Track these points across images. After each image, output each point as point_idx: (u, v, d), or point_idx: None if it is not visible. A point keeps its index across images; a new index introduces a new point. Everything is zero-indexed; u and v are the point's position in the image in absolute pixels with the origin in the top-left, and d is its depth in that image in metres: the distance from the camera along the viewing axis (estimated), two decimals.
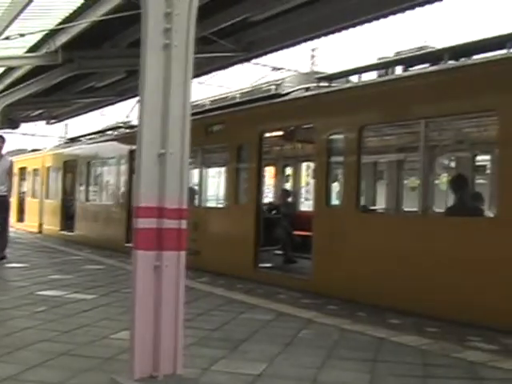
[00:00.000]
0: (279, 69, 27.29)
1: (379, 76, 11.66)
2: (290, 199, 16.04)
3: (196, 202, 15.29)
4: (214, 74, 17.63)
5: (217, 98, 17.65)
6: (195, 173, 15.52)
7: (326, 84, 12.81)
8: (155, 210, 4.49)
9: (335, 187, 12.04)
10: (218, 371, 5.68)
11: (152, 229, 4.49)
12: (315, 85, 12.99)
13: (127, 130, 20.79)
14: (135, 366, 4.50)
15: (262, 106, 13.48)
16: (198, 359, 5.83)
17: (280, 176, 17.47)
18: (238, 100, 15.80)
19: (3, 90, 13.87)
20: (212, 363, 5.90)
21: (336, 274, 10.78)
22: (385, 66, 11.62)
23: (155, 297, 4.51)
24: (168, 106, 4.54)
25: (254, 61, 17.23)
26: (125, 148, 18.84)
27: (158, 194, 4.50)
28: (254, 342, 6.92)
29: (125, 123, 21.61)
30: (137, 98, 19.56)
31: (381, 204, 14.24)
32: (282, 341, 6.95)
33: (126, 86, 16.54)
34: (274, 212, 15.27)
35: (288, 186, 17.27)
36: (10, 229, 18.49)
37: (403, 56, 11.52)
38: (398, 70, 11.34)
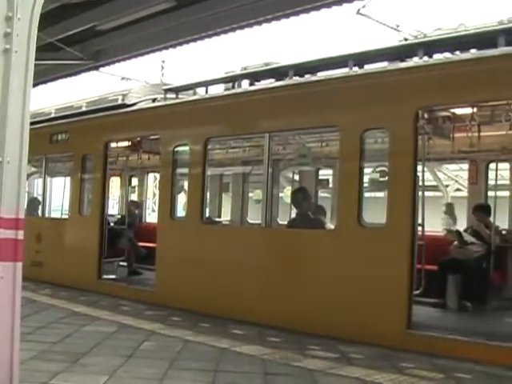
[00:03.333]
0: (128, 79, 27.06)
1: (226, 89, 11.81)
2: (135, 210, 15.92)
3: (40, 212, 14.91)
4: (62, 81, 17.21)
5: (63, 106, 17.28)
6: (39, 182, 15.13)
7: (173, 96, 12.84)
8: None
9: (180, 199, 12.05)
10: None
11: None
12: (162, 96, 12.99)
13: None
14: None
15: (107, 115, 13.32)
16: (36, 373, 5.71)
17: (126, 187, 17.31)
18: (84, 109, 15.55)
19: None
20: (51, 377, 5.79)
21: (178, 286, 10.79)
22: (231, 79, 11.79)
23: None
24: (6, 113, 4.41)
25: (102, 70, 16.98)
26: None
27: None
28: (95, 355, 6.84)
29: None
30: None
31: (226, 216, 14.39)
32: (124, 353, 6.92)
33: None
34: (119, 223, 15.10)
35: (134, 197, 17.15)
36: None
37: (250, 71, 11.72)
38: (245, 84, 11.52)
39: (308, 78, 10.40)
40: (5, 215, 4.38)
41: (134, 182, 17.47)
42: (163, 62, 35.37)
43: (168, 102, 12.35)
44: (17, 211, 4.46)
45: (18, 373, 4.57)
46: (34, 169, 15.04)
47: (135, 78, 26.65)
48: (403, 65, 9.02)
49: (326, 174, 13.64)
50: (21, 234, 4.49)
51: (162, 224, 11.62)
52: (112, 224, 14.33)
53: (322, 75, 10.25)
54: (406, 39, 10.10)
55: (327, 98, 9.27)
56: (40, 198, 15.12)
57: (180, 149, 11.43)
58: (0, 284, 4.37)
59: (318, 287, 8.90)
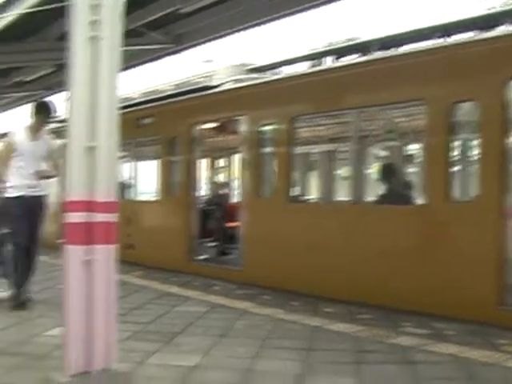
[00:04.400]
0: (210, 61, 27.24)
1: (310, 67, 11.75)
2: (222, 191, 16.05)
3: (129, 195, 15.18)
4: (146, 66, 17.48)
5: (148, 90, 17.52)
6: (128, 166, 15.39)
7: (256, 75, 12.84)
8: (84, 204, 4.46)
9: (267, 178, 12.07)
10: (153, 364, 5.69)
11: (81, 223, 4.46)
12: (246, 76, 13.01)
13: (59, 125, 20.49)
14: (69, 361, 4.46)
15: (192, 98, 13.44)
16: (132, 353, 5.81)
17: (213, 168, 17.47)
18: (169, 92, 15.72)
19: None
20: (147, 357, 5.90)
21: (266, 264, 10.84)
22: (315, 56, 11.71)
23: (87, 291, 4.47)
24: (96, 99, 4.51)
25: (184, 53, 17.14)
26: (56, 142, 18.60)
27: (87, 188, 4.47)
28: (188, 335, 6.94)
29: (54, 117, 21.25)
30: (66, 92, 19.36)
31: (313, 194, 14.34)
32: (217, 332, 6.99)
33: (54, 80, 16.30)
34: (208, 204, 15.25)
35: (221, 177, 17.29)
36: None
37: (333, 47, 11.62)
38: (329, 61, 11.44)
39: (393, 51, 10.25)
40: (99, 199, 4.49)
41: (221, 163, 17.62)
42: (245, 42, 35.32)
43: (252, 82, 12.36)
44: (110, 195, 4.57)
45: (116, 353, 4.69)
46: (122, 153, 15.32)
47: (218, 60, 26.90)
48: (491, 34, 8.79)
49: (413, 149, 13.44)
50: (114, 217, 4.60)
51: (249, 203, 11.69)
52: (201, 205, 14.47)
53: (407, 48, 10.09)
54: (491, 8, 9.84)
55: (413, 71, 9.12)
56: (129, 182, 15.38)
57: (265, 128, 11.45)
58: (96, 267, 4.49)
59: (409, 264, 8.81)
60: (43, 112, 8.62)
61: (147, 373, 5.34)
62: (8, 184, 8.32)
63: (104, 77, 4.54)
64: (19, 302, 8.12)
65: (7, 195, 8.34)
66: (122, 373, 4.72)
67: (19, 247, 8.28)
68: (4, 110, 23.09)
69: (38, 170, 8.30)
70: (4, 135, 26.48)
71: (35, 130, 8.54)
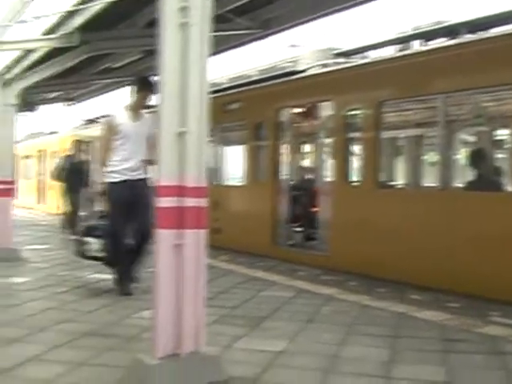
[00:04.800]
0: (296, 46, 27.16)
1: (397, 51, 11.58)
2: (308, 176, 15.99)
3: (216, 180, 15.31)
4: (231, 52, 17.52)
5: (234, 76, 17.60)
6: (214, 151, 15.52)
7: (343, 60, 12.74)
8: (176, 189, 4.51)
9: (354, 163, 11.99)
10: (240, 349, 5.73)
11: (172, 207, 4.51)
12: (332, 61, 12.93)
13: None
14: (158, 344, 4.53)
15: (278, 83, 13.45)
16: (219, 337, 5.86)
17: (299, 153, 17.43)
18: (255, 78, 15.76)
19: (20, 73, 13.87)
20: (233, 341, 5.95)
21: (353, 250, 10.79)
22: (402, 40, 11.53)
23: (177, 275, 4.52)
24: (186, 85, 4.54)
25: (270, 38, 17.09)
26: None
27: (178, 173, 4.51)
28: (275, 319, 6.96)
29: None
30: (155, 78, 19.56)
31: (400, 179, 14.18)
32: (303, 317, 6.99)
33: (142, 67, 16.48)
34: (294, 189, 15.23)
35: (307, 162, 17.23)
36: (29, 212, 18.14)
37: (421, 30, 11.41)
38: (416, 45, 11.25)
39: (482, 35, 10.00)
40: (189, 184, 4.53)
41: (307, 148, 17.56)
42: (330, 26, 35.05)
43: (339, 67, 12.29)
44: (200, 180, 4.61)
45: (204, 336, 4.73)
46: (209, 138, 15.44)
47: (304, 45, 26.78)
48: None
49: (503, 134, 13.12)
50: (204, 202, 4.64)
51: (336, 189, 11.64)
52: (287, 190, 14.46)
53: (496, 31, 9.83)
54: None
55: (503, 55, 8.89)
56: (216, 167, 15.50)
57: (352, 113, 11.37)
58: (186, 251, 4.53)
59: (498, 252, 8.62)
60: (146, 89, 8.08)
61: (234, 357, 5.38)
62: (110, 169, 8.01)
63: (194, 63, 4.56)
64: (123, 291, 8.07)
65: (110, 180, 7.99)
66: (210, 356, 4.76)
67: (116, 236, 8.09)
68: (91, 97, 23.51)
69: (146, 157, 7.98)
70: (90, 122, 26.79)
71: (137, 110, 8.16)
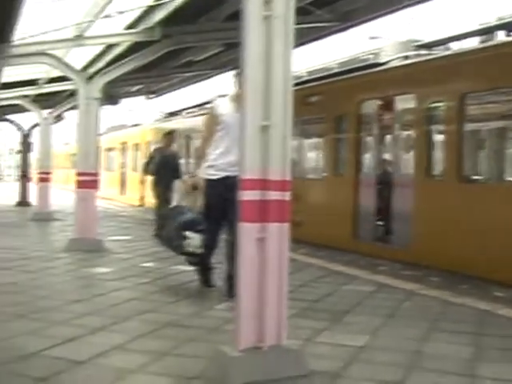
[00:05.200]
0: (376, 38, 26.93)
1: (480, 42, 11.35)
2: (389, 169, 15.82)
3: (296, 173, 15.29)
4: (312, 44, 17.47)
5: (314, 68, 17.53)
6: (294, 144, 15.51)
7: (426, 52, 12.56)
8: (259, 182, 4.51)
9: (435, 157, 11.80)
10: (321, 343, 5.71)
11: (256, 201, 4.52)
12: (414, 53, 12.76)
13: None
14: (240, 336, 4.54)
15: (359, 75, 13.35)
16: (300, 330, 5.85)
17: (380, 146, 17.27)
18: (335, 70, 15.67)
19: (103, 68, 14.11)
20: (314, 335, 5.93)
21: (435, 245, 10.63)
22: (486, 31, 11.30)
23: (259, 268, 4.53)
24: (270, 78, 4.54)
25: (350, 30, 16.95)
26: None
27: (261, 167, 4.51)
28: (356, 314, 6.92)
29: (223, 96, 21.71)
30: (233, 72, 19.66)
31: (483, 174, 13.90)
32: (384, 312, 6.92)
33: (223, 60, 16.57)
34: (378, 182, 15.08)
35: (387, 156, 17.05)
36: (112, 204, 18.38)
37: (505, 21, 11.15)
38: (501, 36, 11.01)
39: None
40: (273, 177, 4.53)
41: (387, 140, 17.37)
42: (410, 18, 34.72)
43: (421, 59, 12.12)
44: (283, 173, 4.60)
45: (286, 330, 4.73)
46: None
47: (383, 37, 26.50)
48: None
49: None
50: (287, 196, 4.63)
51: (417, 182, 11.50)
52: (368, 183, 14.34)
53: None
54: None
55: None
56: (296, 159, 15.48)
57: (435, 105, 11.20)
58: (269, 244, 4.53)
59: None
60: None
61: (315, 351, 5.35)
62: (209, 163, 7.47)
63: (278, 56, 4.55)
64: (207, 283, 7.98)
65: (208, 177, 7.45)
66: (291, 350, 4.76)
67: (213, 232, 7.60)
68: (172, 90, 23.77)
69: None
70: (170, 114, 27.03)
71: (241, 101, 7.59)
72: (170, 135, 14.98)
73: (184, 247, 7.61)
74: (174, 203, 13.05)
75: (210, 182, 7.42)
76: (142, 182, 16.14)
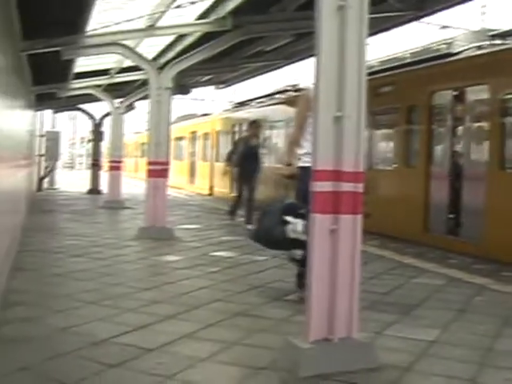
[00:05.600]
0: (448, 27, 26.47)
1: None
2: (461, 161, 15.57)
3: (366, 164, 15.17)
4: (383, 34, 17.29)
5: (386, 58, 17.35)
6: (364, 135, 15.40)
7: (500, 42, 12.30)
8: (332, 174, 4.48)
9: (510, 149, 11.56)
10: (391, 336, 5.66)
11: (328, 192, 4.49)
12: (488, 43, 12.50)
13: (295, 93, 20.90)
14: (311, 328, 4.53)
15: (432, 65, 13.16)
16: (370, 323, 5.81)
17: (452, 137, 17.02)
18: (407, 60, 15.48)
19: (175, 58, 14.21)
20: (384, 327, 5.88)
21: (507, 240, 10.42)
22: None
23: (331, 260, 4.51)
24: (344, 69, 4.50)
25: (422, 20, 16.70)
26: (293, 111, 19.05)
27: (334, 157, 4.48)
28: (426, 308, 6.83)
29: (292, 86, 21.71)
30: (304, 62, 19.58)
31: None
32: (455, 307, 6.81)
33: (293, 50, 16.51)
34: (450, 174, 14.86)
35: (460, 147, 16.79)
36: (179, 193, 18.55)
37: None
38: None
39: None
40: (346, 169, 4.50)
41: (460, 132, 17.10)
42: (483, 7, 34.13)
43: (496, 49, 11.87)
44: (356, 165, 4.57)
45: (357, 322, 4.70)
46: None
47: (455, 26, 26.03)
48: None
49: None
50: (360, 187, 4.60)
51: (491, 175, 11.28)
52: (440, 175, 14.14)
53: None
54: None
55: None
56: (366, 150, 15.36)
57: (510, 97, 10.97)
58: (342, 236, 4.51)
59: None
60: None
61: (386, 344, 5.31)
62: (304, 150, 6.89)
63: (352, 46, 4.51)
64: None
65: (303, 164, 6.78)
66: (362, 343, 4.73)
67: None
68: (241, 80, 23.81)
69: None
70: (240, 104, 27.02)
71: None
72: (255, 124, 14.76)
73: (286, 234, 6.79)
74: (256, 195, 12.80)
75: (306, 170, 6.18)
76: (225, 173, 15.94)
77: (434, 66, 13.07)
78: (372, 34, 15.24)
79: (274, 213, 6.94)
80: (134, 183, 28.95)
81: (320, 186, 4.49)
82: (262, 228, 7.15)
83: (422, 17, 14.13)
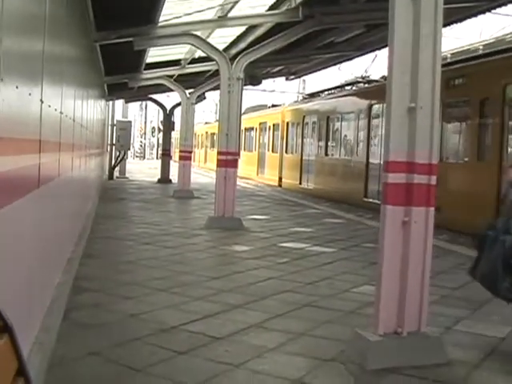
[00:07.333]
0: None
1: None
2: None
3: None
4: (458, 25, 17.01)
5: (458, 50, 17.06)
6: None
7: None
8: (405, 165, 4.44)
9: None
10: (461, 331, 5.58)
11: (401, 184, 4.45)
12: None
13: (366, 85, 20.74)
14: (380, 321, 4.50)
15: (507, 57, 12.86)
16: (439, 318, 5.75)
17: None
18: (479, 52, 15.19)
19: (246, 48, 14.23)
20: (454, 323, 5.81)
21: None
22: None
23: (403, 253, 4.47)
24: (417, 60, 4.44)
25: (497, 10, 16.36)
26: (364, 103, 18.89)
27: (407, 149, 4.44)
28: (495, 304, 6.66)
29: (363, 78, 21.54)
30: (375, 53, 19.40)
31: None
32: None
33: (365, 41, 16.37)
34: None
35: None
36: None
37: None
38: None
39: None
40: (419, 161, 4.44)
41: None
42: None
43: None
44: (430, 156, 4.51)
45: (426, 316, 4.65)
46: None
47: None
48: None
49: None
50: (433, 180, 4.54)
51: None
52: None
53: None
54: None
55: None
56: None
57: None
58: (413, 228, 4.46)
59: None
60: None
61: (455, 339, 5.24)
62: None
63: (427, 36, 4.45)
64: None
65: None
66: (431, 337, 4.68)
67: None
68: (312, 71, 23.70)
69: None
70: (311, 96, 26.81)
71: None
72: None
73: None
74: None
75: None
76: None
77: (508, 58, 12.78)
78: (445, 24, 15.01)
79: (496, 256, 4.98)
80: (202, 173, 29.14)
81: (393, 178, 4.45)
82: (481, 272, 5.37)
83: (497, 7, 13.84)
